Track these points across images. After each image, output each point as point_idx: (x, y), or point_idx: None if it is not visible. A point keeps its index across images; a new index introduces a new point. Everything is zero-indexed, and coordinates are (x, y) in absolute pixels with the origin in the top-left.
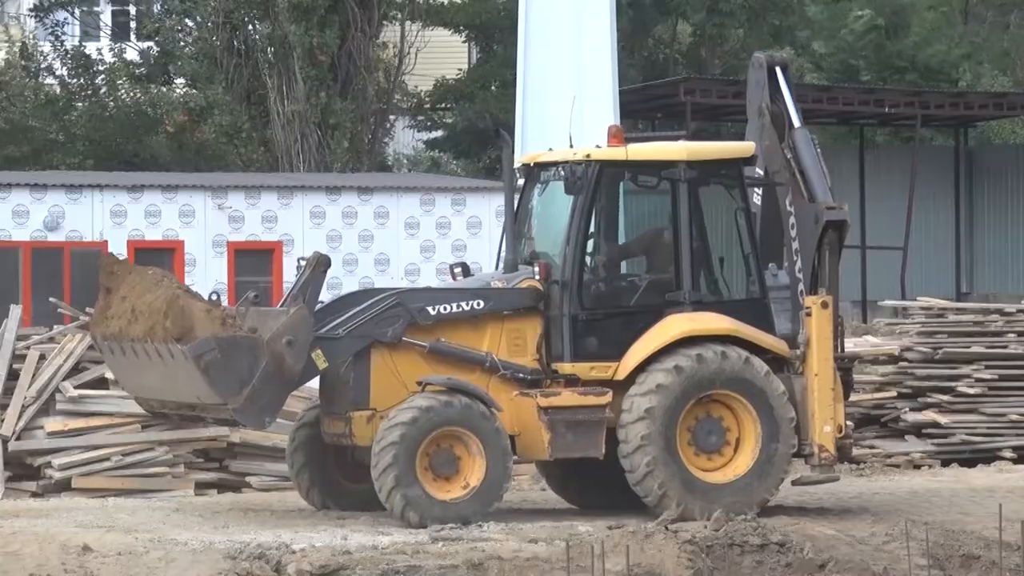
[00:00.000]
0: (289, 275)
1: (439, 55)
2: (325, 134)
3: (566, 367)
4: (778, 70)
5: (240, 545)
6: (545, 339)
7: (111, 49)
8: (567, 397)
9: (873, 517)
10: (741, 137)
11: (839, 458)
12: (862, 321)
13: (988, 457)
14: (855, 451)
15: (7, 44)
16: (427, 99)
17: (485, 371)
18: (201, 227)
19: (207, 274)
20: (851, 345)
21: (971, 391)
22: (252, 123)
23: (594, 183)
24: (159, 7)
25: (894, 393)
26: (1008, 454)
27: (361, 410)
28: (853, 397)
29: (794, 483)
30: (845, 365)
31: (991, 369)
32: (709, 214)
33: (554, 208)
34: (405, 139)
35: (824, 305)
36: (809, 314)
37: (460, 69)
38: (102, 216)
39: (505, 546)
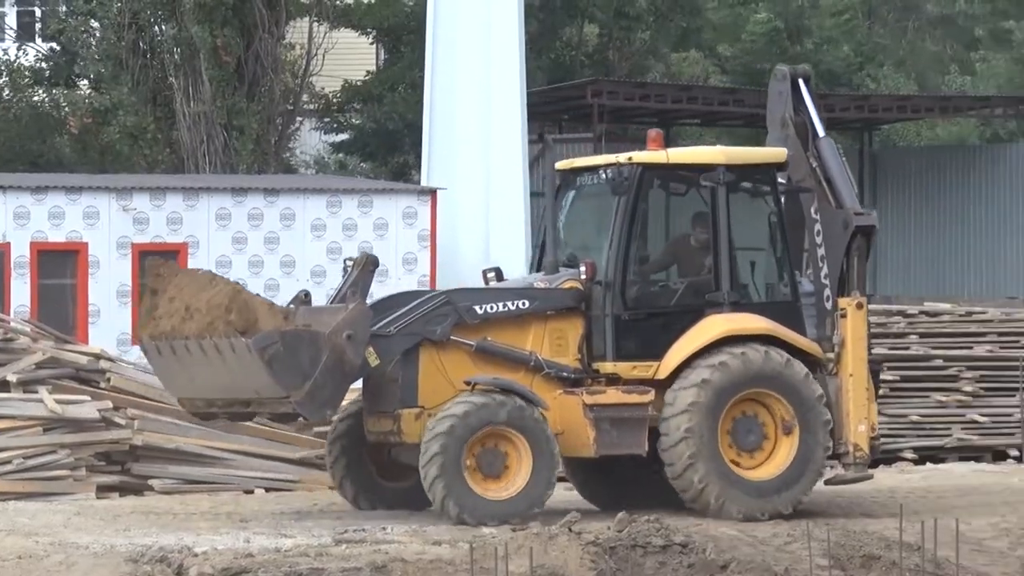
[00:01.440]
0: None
1: (346, 57)
2: (231, 135)
3: (608, 366)
4: (801, 82)
5: (142, 548)
6: (587, 339)
7: (18, 50)
8: (612, 395)
9: (776, 518)
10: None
11: (871, 457)
12: None
13: (890, 458)
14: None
15: None
16: (334, 101)
17: (529, 370)
18: (105, 229)
19: (111, 276)
20: None
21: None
22: (157, 124)
23: (637, 185)
24: (64, 8)
25: None
26: (909, 455)
27: (410, 408)
28: None
29: (827, 483)
30: (874, 367)
31: (893, 370)
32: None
33: (593, 212)
34: (312, 141)
35: (859, 306)
36: (844, 316)
37: (368, 71)
38: (5, 218)
39: (408, 548)
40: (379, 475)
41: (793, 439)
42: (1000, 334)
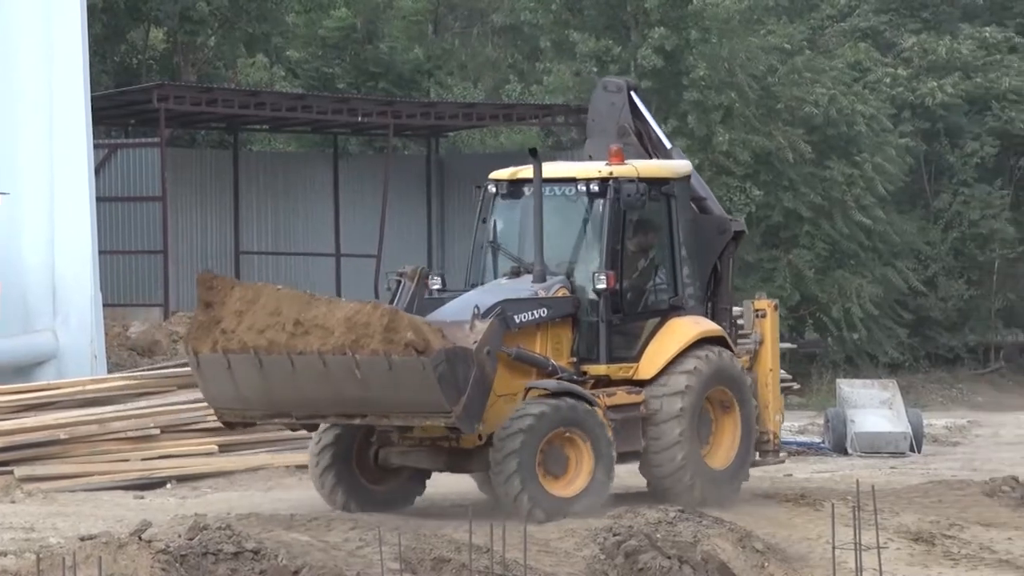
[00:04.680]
0: None
1: None
2: None
3: (600, 369)
4: (633, 93)
5: None
6: (580, 343)
7: None
8: (621, 396)
9: (349, 523)
10: (216, 144)
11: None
12: None
13: None
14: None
15: None
16: None
17: (547, 375)
18: None
19: None
20: None
21: None
22: None
23: (644, 199)
24: None
25: None
26: None
27: None
28: None
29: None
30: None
31: None
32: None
33: (564, 221)
34: None
35: (775, 308)
36: (764, 316)
37: None
38: None
39: None
40: (368, 481)
41: (736, 428)
42: None
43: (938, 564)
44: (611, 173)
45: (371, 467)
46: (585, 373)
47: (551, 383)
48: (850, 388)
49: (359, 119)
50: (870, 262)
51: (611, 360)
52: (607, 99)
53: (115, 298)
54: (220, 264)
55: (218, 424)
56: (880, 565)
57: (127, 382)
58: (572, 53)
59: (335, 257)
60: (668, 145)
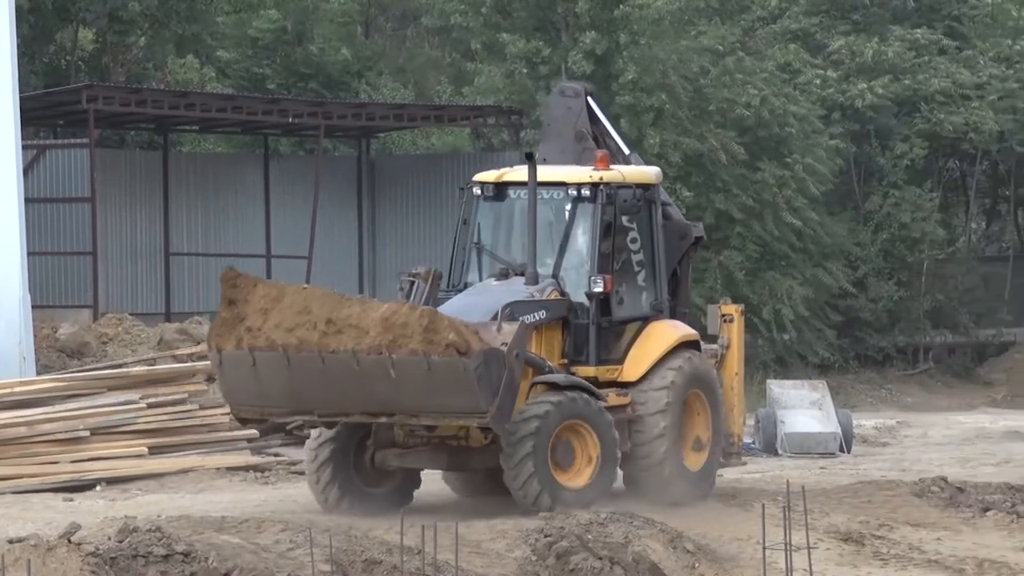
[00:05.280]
0: None
1: None
2: None
3: (590, 371)
4: (590, 99)
5: None
6: (567, 345)
7: None
8: (612, 398)
9: (279, 525)
10: (146, 145)
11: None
12: None
13: None
14: (262, 459)
15: None
16: None
17: (544, 375)
18: None
19: None
20: None
21: None
22: None
23: (639, 204)
24: None
25: None
26: None
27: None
28: None
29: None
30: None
31: None
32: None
33: (554, 224)
34: None
35: (742, 312)
36: (731, 320)
37: None
38: None
39: None
40: (362, 482)
41: (710, 429)
42: None
43: (867, 564)
44: (601, 178)
45: (367, 468)
46: (574, 375)
47: (560, 377)
48: (780, 389)
49: (290, 120)
50: (801, 263)
51: (600, 362)
52: (564, 103)
53: (44, 299)
54: (150, 265)
55: (148, 426)
56: (810, 565)
57: (56, 384)
58: (503, 55)
59: (266, 258)
60: (626, 151)
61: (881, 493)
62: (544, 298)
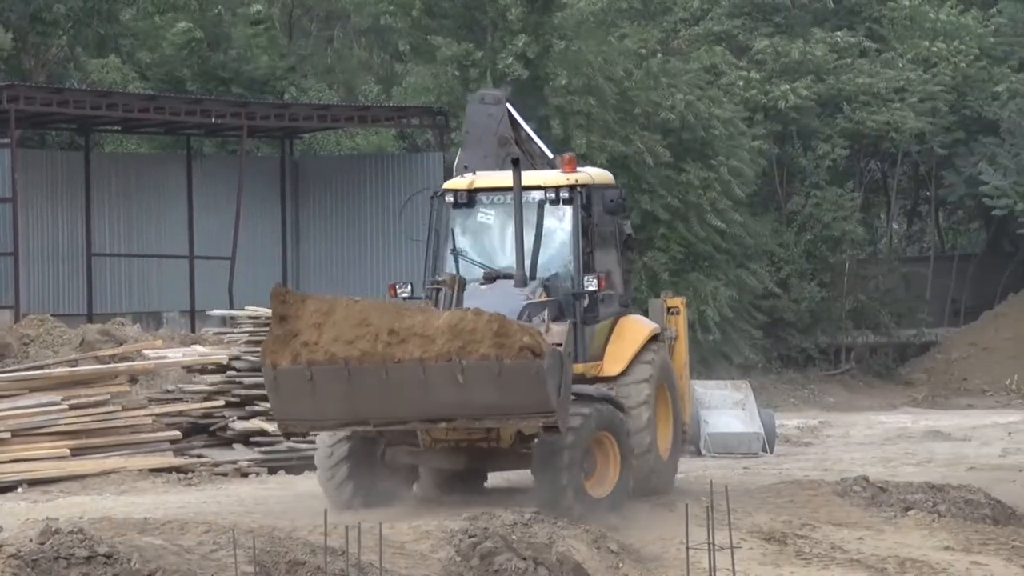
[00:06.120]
0: None
1: None
2: None
3: (578, 368)
4: (509, 105)
5: None
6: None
7: None
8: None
9: (202, 526)
10: (67, 145)
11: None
12: (190, 330)
13: (314, 464)
14: (185, 461)
15: None
16: None
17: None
18: None
19: None
20: (180, 355)
21: None
22: None
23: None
24: None
25: (222, 402)
26: None
27: None
28: (181, 407)
29: None
30: None
31: None
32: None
33: (532, 227)
34: None
35: (687, 305)
36: (677, 312)
37: None
38: None
39: None
40: (374, 479)
41: (671, 418)
42: None
43: (790, 564)
44: (577, 181)
45: (379, 465)
46: None
47: (592, 389)
48: (703, 389)
49: (212, 120)
50: (725, 264)
51: (585, 359)
52: (484, 111)
53: None
54: (72, 266)
55: (70, 428)
56: (733, 565)
57: None
58: (432, 56)
59: (188, 259)
60: (550, 155)
61: (804, 493)
62: (538, 299)
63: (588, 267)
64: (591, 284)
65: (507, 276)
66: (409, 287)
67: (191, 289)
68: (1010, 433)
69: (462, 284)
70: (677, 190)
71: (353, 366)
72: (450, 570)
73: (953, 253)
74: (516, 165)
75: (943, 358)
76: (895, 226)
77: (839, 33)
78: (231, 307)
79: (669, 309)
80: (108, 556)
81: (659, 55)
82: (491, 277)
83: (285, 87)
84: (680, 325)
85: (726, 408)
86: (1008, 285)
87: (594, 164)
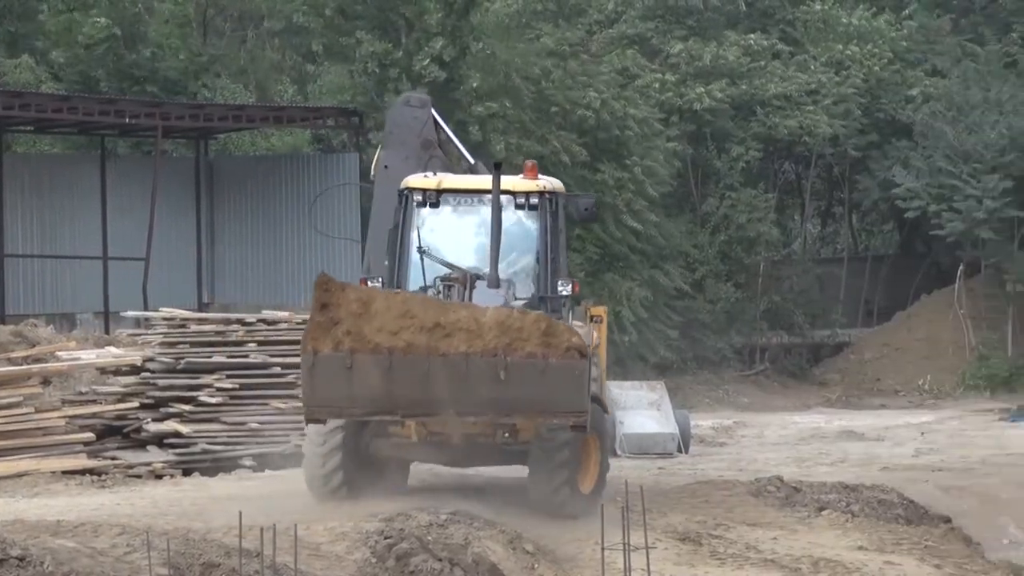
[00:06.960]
0: None
1: None
2: None
3: None
4: (433, 110)
5: None
6: None
7: None
8: None
9: (116, 529)
10: None
11: None
12: (104, 332)
13: (229, 466)
14: (98, 463)
15: None
16: None
17: None
18: None
19: None
20: (94, 356)
21: (212, 400)
22: None
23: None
24: None
25: (136, 404)
26: (248, 462)
27: None
28: (95, 408)
29: None
30: None
31: (232, 378)
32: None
33: (480, 228)
34: None
35: (606, 313)
36: (600, 321)
37: None
38: None
39: None
40: (362, 470)
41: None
42: None
43: (705, 564)
44: (544, 187)
45: (364, 457)
46: None
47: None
48: (619, 390)
49: (127, 121)
50: (639, 265)
51: None
52: (410, 113)
53: None
54: None
55: None
56: (648, 565)
57: None
58: (345, 56)
59: (102, 260)
60: (472, 160)
61: (718, 493)
62: (512, 301)
63: (557, 272)
64: (565, 289)
65: (478, 277)
66: (380, 281)
67: (105, 290)
68: (923, 433)
69: (473, 281)
70: (593, 190)
71: (397, 357)
72: (366, 571)
73: (866, 254)
74: (497, 169)
75: (856, 358)
76: (809, 227)
77: (752, 36)
78: (145, 308)
79: (593, 318)
80: (21, 559)
81: (580, 56)
82: (466, 279)
83: (198, 87)
84: (603, 333)
85: (641, 408)
86: (920, 286)
87: (512, 165)
